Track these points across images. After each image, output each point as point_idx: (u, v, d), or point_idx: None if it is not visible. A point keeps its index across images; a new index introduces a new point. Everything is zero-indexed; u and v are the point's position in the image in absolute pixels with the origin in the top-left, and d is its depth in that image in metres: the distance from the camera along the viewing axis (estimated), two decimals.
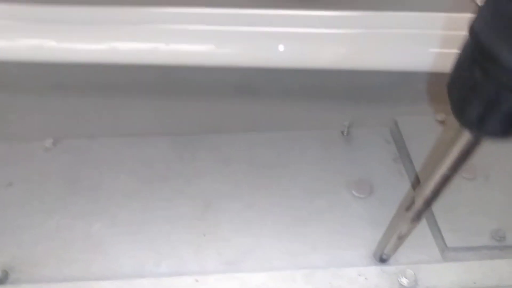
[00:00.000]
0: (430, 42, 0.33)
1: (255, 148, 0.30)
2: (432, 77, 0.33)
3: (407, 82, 0.34)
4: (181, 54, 0.34)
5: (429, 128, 0.31)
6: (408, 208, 0.21)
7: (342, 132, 0.31)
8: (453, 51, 0.16)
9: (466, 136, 0.17)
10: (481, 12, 0.14)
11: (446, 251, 0.25)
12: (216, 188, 0.28)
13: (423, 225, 0.26)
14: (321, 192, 0.28)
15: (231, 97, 0.34)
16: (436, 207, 0.27)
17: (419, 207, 0.20)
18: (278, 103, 0.34)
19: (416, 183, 0.29)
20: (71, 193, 0.28)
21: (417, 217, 0.21)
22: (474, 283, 0.24)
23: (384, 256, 0.24)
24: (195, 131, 0.31)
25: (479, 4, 0.14)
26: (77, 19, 0.34)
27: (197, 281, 0.23)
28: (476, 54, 0.14)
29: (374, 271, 0.24)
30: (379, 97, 0.34)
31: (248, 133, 0.31)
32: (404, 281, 0.23)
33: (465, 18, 0.15)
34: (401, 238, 0.23)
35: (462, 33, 0.15)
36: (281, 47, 0.34)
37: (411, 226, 0.22)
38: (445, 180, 0.19)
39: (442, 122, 0.32)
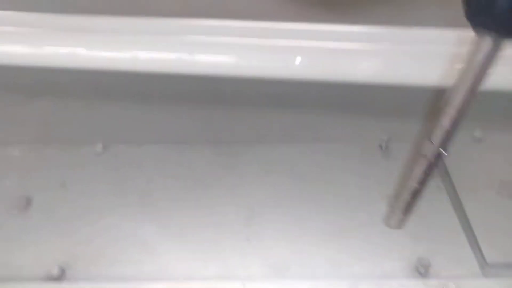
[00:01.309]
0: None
1: (295, 159, 0.31)
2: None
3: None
4: (216, 65, 0.35)
5: (465, 143, 0.32)
6: (425, 149, 0.20)
7: (381, 146, 0.32)
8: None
9: (484, 42, 0.17)
10: None
11: (486, 267, 0.26)
12: (259, 197, 0.29)
13: (462, 241, 0.27)
14: (362, 204, 0.29)
15: (271, 108, 0.35)
16: (475, 223, 0.27)
17: (444, 132, 0.19)
18: (316, 115, 0.35)
19: (455, 197, 0.29)
20: (120, 196, 0.29)
21: (437, 155, 0.20)
22: None
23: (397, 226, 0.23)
24: (237, 140, 0.32)
25: None
26: (107, 29, 0.37)
27: (244, 285, 0.24)
28: None
29: (415, 283, 0.24)
30: (415, 112, 0.35)
31: (287, 144, 0.32)
32: None
33: None
34: (415, 195, 0.21)
35: None
36: (315, 60, 0.35)
37: (427, 172, 0.20)
38: (470, 94, 0.18)
39: (479, 139, 0.32)
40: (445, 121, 0.19)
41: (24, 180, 0.30)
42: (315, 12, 0.49)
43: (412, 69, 0.35)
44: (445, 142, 0.20)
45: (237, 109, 0.35)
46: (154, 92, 0.36)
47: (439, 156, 0.20)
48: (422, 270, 0.25)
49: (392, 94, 0.36)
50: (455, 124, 0.19)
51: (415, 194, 0.22)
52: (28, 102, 0.36)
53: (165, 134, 0.33)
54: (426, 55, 0.34)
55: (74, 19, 0.38)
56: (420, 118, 0.34)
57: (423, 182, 0.21)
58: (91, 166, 0.31)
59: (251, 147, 0.32)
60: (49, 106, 0.35)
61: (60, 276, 0.25)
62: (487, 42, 0.17)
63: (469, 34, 0.35)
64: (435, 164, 0.20)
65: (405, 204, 0.23)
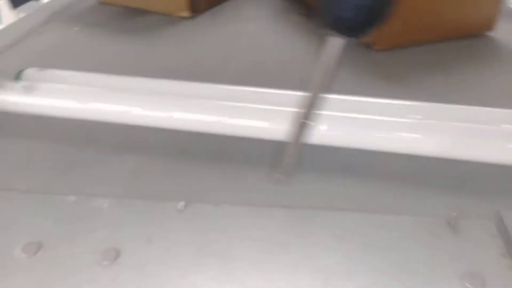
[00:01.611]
0: None
1: (365, 228, 0.33)
2: None
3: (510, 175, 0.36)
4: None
5: None
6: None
7: (448, 222, 0.33)
8: None
9: (335, 43, 0.22)
10: None
11: None
12: (332, 264, 0.30)
13: None
14: (431, 281, 0.30)
15: (342, 176, 0.37)
16: None
17: (304, 117, 0.27)
18: (382, 185, 0.37)
19: None
20: (202, 255, 0.31)
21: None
22: None
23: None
24: (309, 205, 0.34)
25: None
26: (160, 91, 0.41)
27: None
28: None
29: None
30: (483, 188, 0.36)
31: (357, 212, 0.34)
32: None
33: None
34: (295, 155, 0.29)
35: None
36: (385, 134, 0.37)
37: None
38: (323, 88, 0.25)
39: None
40: (305, 109, 0.26)
41: (113, 233, 0.32)
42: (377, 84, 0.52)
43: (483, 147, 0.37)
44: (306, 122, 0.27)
45: (308, 175, 0.37)
46: (234, 154, 0.39)
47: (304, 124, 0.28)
48: None
49: (455, 167, 0.37)
50: (312, 110, 0.27)
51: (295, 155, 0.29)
52: (116, 158, 0.39)
53: (242, 195, 0.35)
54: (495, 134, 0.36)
55: (131, 81, 0.43)
56: (490, 195, 0.35)
57: (298, 143, 0.28)
58: (174, 223, 0.33)
59: (322, 213, 0.34)
60: (135, 162, 0.39)
61: None
62: (337, 42, 0.22)
63: None
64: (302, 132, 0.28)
65: (289, 164, 0.29)
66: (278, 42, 0.62)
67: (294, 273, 0.30)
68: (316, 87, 0.25)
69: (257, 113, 0.38)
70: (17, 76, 0.45)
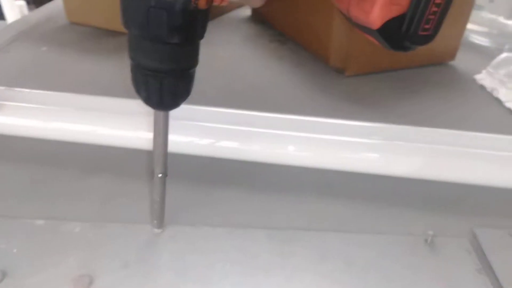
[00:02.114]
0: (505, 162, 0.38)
1: (347, 248, 0.33)
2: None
3: (484, 194, 0.38)
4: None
5: (508, 241, 0.34)
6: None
7: (426, 240, 0.34)
8: None
9: (160, 114, 0.27)
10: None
11: None
12: (314, 285, 0.30)
13: None
14: None
15: (324, 197, 0.37)
16: None
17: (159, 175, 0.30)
18: (361, 205, 0.37)
19: None
20: (182, 280, 0.30)
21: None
22: None
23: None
24: (291, 226, 0.34)
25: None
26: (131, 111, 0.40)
27: None
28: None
29: None
30: (457, 206, 0.38)
31: (338, 232, 0.34)
32: None
33: None
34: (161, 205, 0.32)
35: None
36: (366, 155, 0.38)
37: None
38: (164, 148, 0.29)
39: None
40: (157, 165, 0.30)
41: (86, 259, 0.30)
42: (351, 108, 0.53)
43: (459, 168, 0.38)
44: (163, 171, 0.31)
45: (290, 196, 0.37)
46: (212, 174, 0.38)
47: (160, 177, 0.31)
48: None
49: (429, 187, 0.38)
50: (162, 165, 0.30)
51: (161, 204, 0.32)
52: (87, 179, 0.37)
53: (221, 217, 0.34)
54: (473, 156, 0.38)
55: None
56: (464, 213, 0.36)
57: (161, 195, 0.31)
58: (151, 246, 0.32)
59: (304, 234, 0.34)
60: (106, 183, 0.37)
61: None
62: (162, 113, 0.27)
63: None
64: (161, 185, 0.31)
65: (158, 212, 0.32)
66: (250, 66, 0.63)
67: None
68: (158, 145, 0.29)
69: (234, 135, 0.38)
70: None
